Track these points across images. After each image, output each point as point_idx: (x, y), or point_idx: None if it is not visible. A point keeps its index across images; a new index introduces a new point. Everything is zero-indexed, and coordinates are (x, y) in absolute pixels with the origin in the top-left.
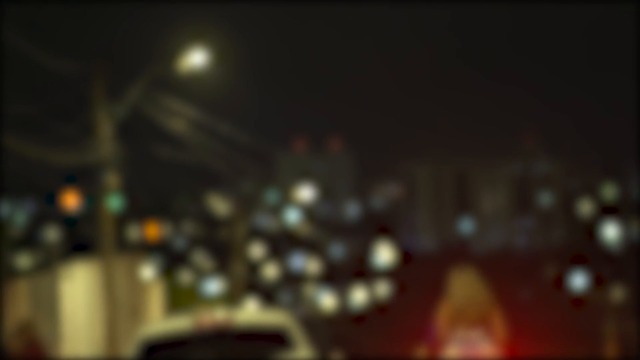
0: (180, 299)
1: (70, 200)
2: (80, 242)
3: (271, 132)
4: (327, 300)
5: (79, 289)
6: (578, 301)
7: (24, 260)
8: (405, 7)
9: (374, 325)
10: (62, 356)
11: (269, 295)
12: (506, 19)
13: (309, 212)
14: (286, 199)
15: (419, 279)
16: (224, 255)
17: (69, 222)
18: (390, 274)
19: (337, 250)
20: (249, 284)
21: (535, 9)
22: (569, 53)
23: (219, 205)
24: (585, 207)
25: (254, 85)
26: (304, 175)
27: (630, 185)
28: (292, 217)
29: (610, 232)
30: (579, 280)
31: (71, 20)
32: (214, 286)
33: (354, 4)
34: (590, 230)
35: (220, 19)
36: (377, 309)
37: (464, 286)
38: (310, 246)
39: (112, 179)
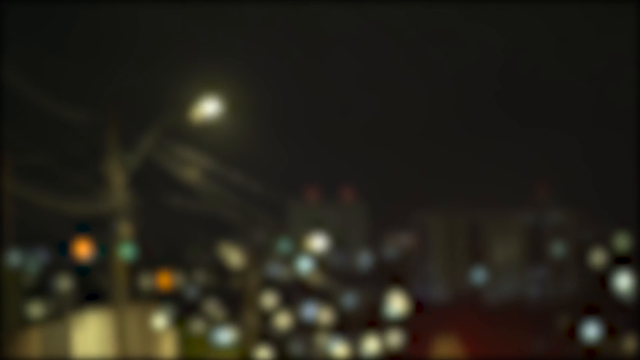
0: (192, 348)
1: (83, 250)
2: (92, 291)
3: (283, 181)
4: (339, 350)
5: (91, 338)
6: (591, 352)
7: (36, 309)
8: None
9: None
10: None
11: (281, 345)
12: (533, 63)
13: (322, 261)
14: (298, 249)
15: (431, 328)
16: (236, 304)
17: (81, 271)
18: (402, 323)
19: (350, 299)
20: (261, 333)
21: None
22: (585, 106)
23: (232, 255)
24: (598, 258)
25: (268, 133)
26: (317, 224)
27: None
28: (305, 266)
29: (623, 282)
30: (591, 331)
31: (83, 70)
32: (226, 336)
33: (372, 49)
34: (603, 280)
35: (232, 67)
36: (390, 359)
37: (444, 354)
38: (322, 296)
39: (124, 228)
